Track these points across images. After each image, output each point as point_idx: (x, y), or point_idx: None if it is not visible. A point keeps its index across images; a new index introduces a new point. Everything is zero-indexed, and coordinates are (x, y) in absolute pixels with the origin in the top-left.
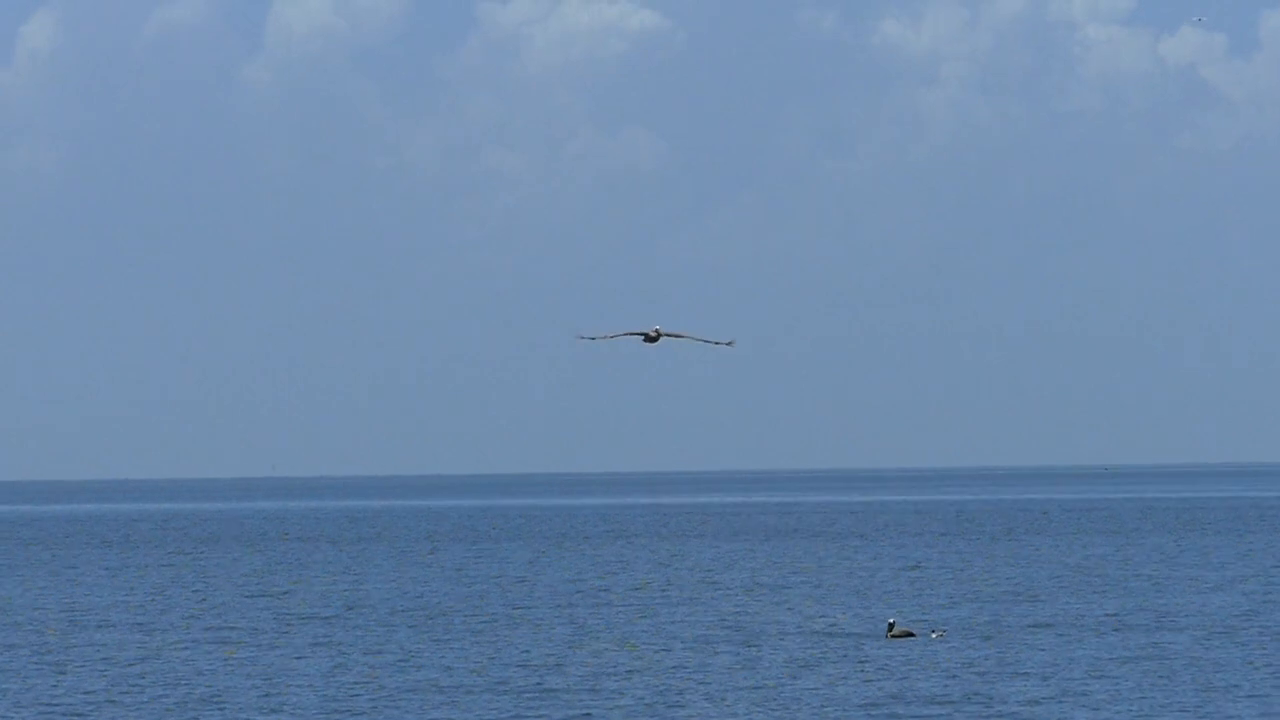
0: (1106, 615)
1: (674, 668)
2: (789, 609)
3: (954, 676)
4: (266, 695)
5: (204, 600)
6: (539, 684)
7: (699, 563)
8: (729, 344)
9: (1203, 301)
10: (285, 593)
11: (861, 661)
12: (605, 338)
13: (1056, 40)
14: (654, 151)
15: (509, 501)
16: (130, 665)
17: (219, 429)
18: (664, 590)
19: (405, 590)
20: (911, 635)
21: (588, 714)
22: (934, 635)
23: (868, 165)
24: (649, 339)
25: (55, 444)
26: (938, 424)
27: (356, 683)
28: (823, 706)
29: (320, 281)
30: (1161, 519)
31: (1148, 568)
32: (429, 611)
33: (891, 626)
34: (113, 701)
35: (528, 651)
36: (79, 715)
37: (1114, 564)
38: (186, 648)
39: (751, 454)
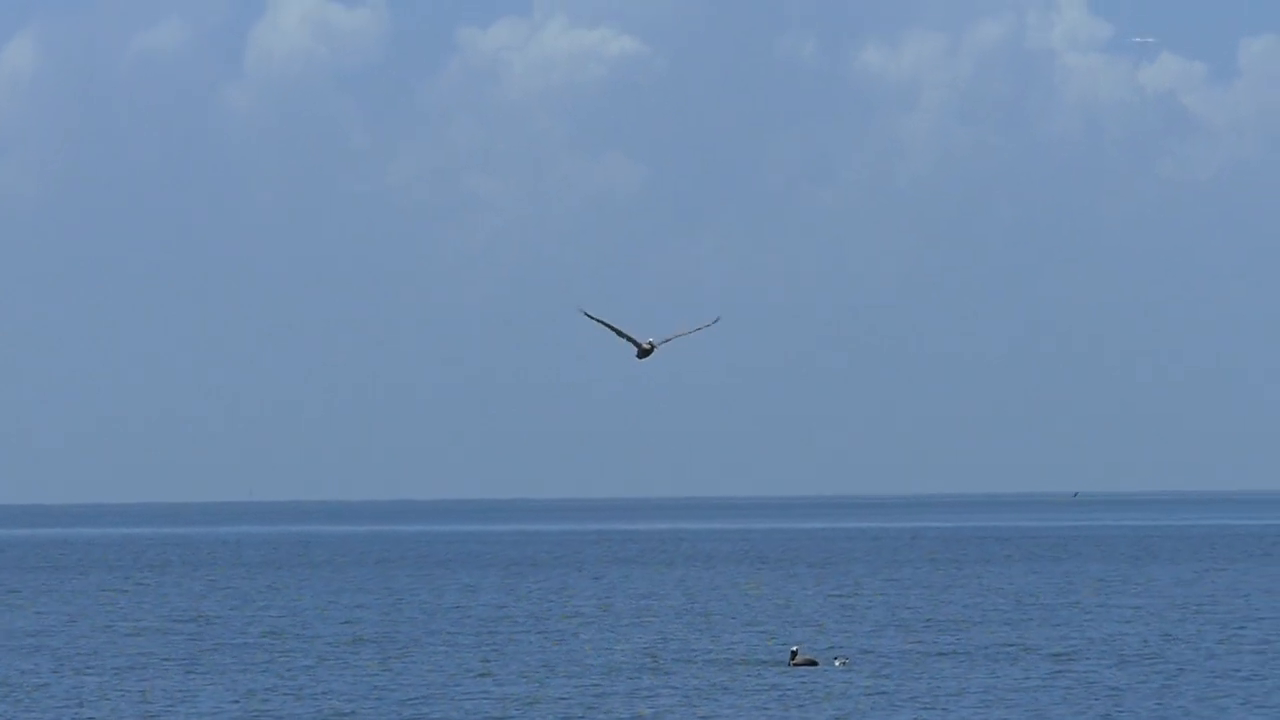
0: (1017, 644)
1: (564, 699)
2: (708, 637)
3: (844, 705)
4: None
5: (109, 627)
6: (423, 714)
7: (636, 590)
8: (714, 322)
9: (1185, 329)
10: (206, 618)
11: (753, 692)
12: (605, 324)
13: (1036, 68)
14: (634, 177)
15: (476, 527)
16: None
17: (197, 452)
18: (590, 618)
19: (330, 616)
20: (814, 664)
21: None
22: (837, 664)
23: (848, 192)
24: (643, 352)
25: (30, 467)
26: (917, 450)
27: (242, 714)
28: None
29: (300, 305)
30: (1114, 547)
31: (1083, 596)
32: (343, 639)
33: (794, 655)
34: None
35: (425, 680)
36: None
37: (1050, 592)
38: (71, 675)
39: (727, 480)
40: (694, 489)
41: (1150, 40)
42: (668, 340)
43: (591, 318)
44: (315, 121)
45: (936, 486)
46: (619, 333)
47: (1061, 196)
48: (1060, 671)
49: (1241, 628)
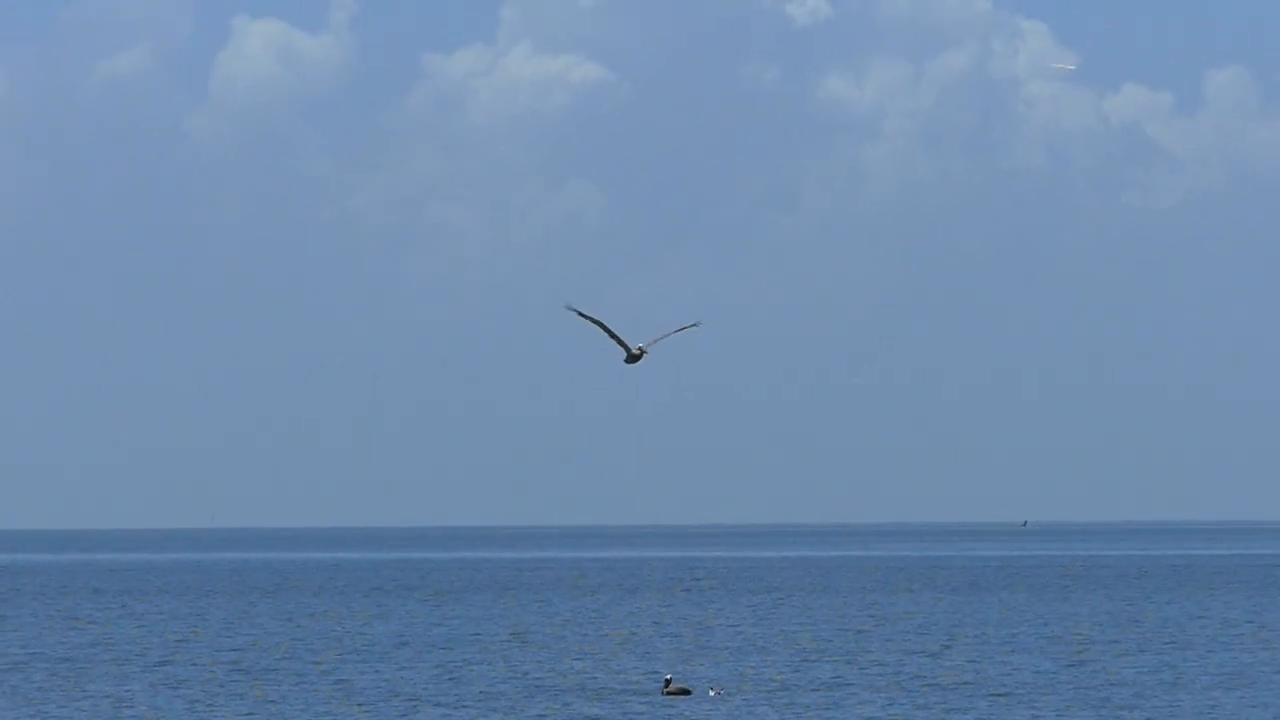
0: (899, 674)
1: None
2: (588, 665)
3: None
4: None
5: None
6: None
7: (553, 616)
8: (696, 325)
9: (1147, 357)
10: (101, 644)
11: None
12: (596, 321)
13: (1000, 97)
14: (598, 205)
15: (428, 555)
16: None
17: (158, 478)
18: (492, 646)
19: (227, 644)
20: (688, 693)
21: None
22: (711, 693)
23: (811, 220)
24: (632, 358)
25: None
26: (877, 479)
27: None
28: None
29: (263, 332)
30: (1046, 578)
31: (990, 628)
32: (229, 665)
33: (668, 683)
34: None
35: (286, 709)
36: None
37: (970, 624)
38: None
39: (690, 508)
40: (652, 516)
41: (1070, 67)
42: (654, 342)
43: (581, 315)
44: (279, 148)
45: (891, 515)
46: (609, 333)
47: (1025, 225)
48: (928, 704)
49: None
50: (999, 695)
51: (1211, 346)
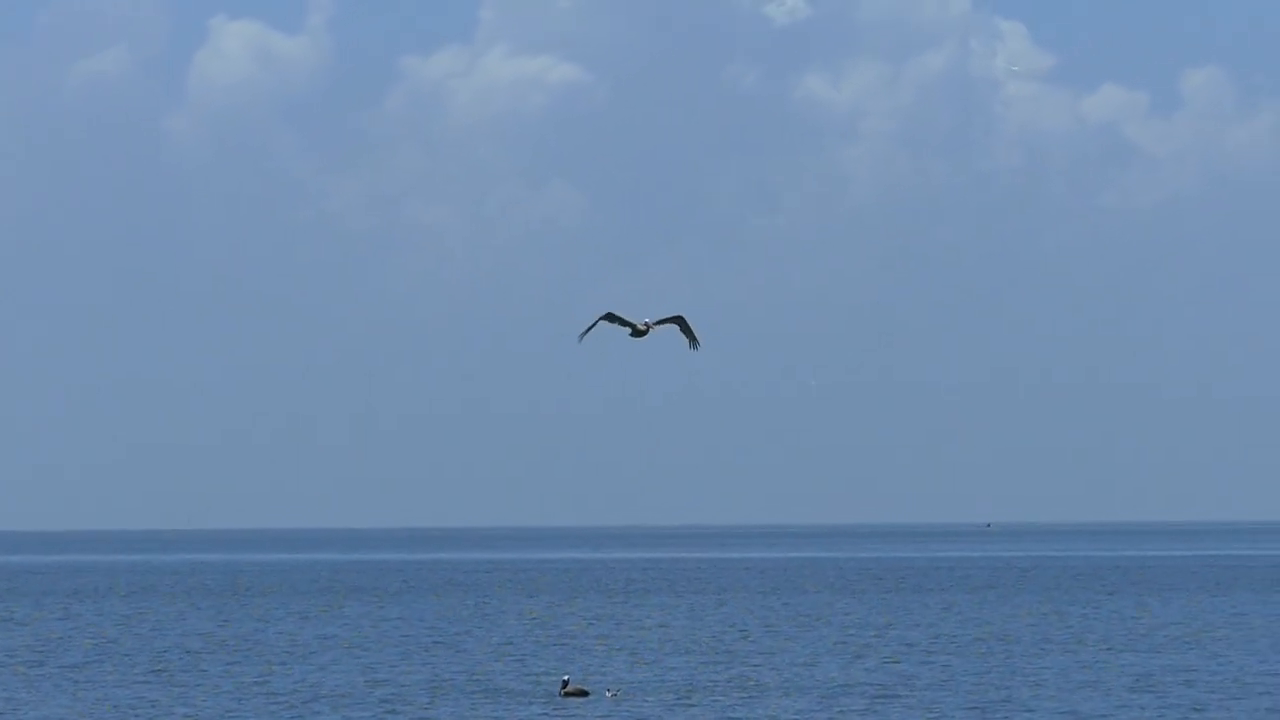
0: (809, 676)
1: None
2: (507, 666)
3: None
4: None
5: None
6: None
7: (488, 617)
8: (696, 345)
9: (1124, 358)
10: (27, 646)
11: None
12: (596, 323)
13: (978, 97)
14: (577, 206)
15: (390, 556)
16: None
17: (135, 480)
18: (413, 648)
19: (151, 645)
20: (586, 694)
21: None
22: (609, 695)
23: (792, 220)
24: (637, 332)
25: None
26: (856, 479)
27: None
28: None
29: (242, 333)
30: (995, 579)
31: (914, 631)
32: (146, 668)
33: (565, 684)
34: None
35: (187, 710)
36: None
37: (901, 626)
38: None
39: (669, 509)
40: (625, 518)
41: (1016, 69)
42: (660, 324)
43: (586, 333)
44: (257, 148)
45: (859, 516)
46: (617, 320)
47: (1003, 226)
48: (826, 706)
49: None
50: (893, 697)
51: (1189, 347)
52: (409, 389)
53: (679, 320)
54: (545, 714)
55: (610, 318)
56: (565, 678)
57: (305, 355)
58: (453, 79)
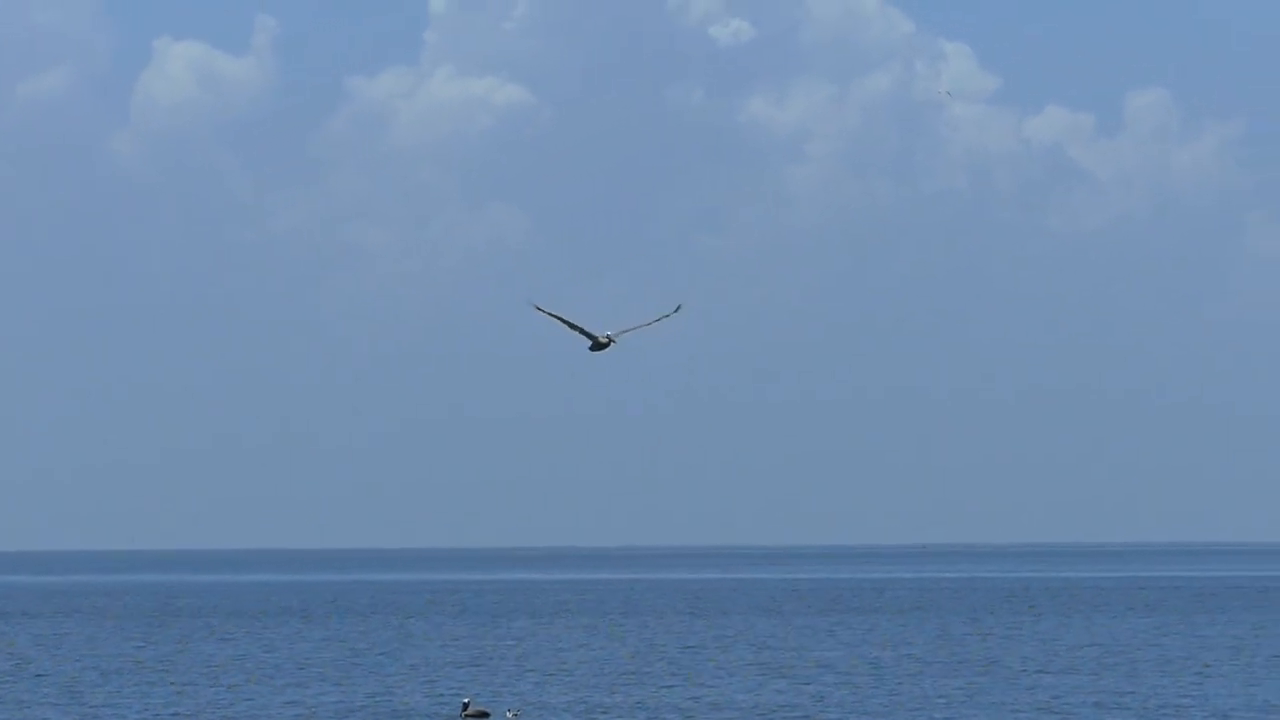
0: (717, 701)
1: None
2: (415, 689)
3: None
4: None
5: None
6: None
7: (408, 639)
8: (676, 310)
9: (1071, 380)
10: None
11: None
12: (556, 317)
13: (923, 119)
14: (521, 227)
15: (320, 577)
16: None
17: (79, 499)
18: (327, 670)
19: (28, 670)
20: (486, 715)
21: None
22: (509, 715)
23: (737, 242)
24: (598, 345)
25: None
26: (791, 501)
27: None
28: None
29: (184, 353)
30: (921, 600)
31: (833, 652)
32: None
33: (466, 707)
34: None
35: None
36: None
37: (789, 647)
38: None
39: (606, 531)
40: (560, 539)
41: (948, 93)
42: (626, 332)
43: (542, 312)
44: (201, 170)
45: (799, 538)
46: (571, 326)
47: (949, 247)
48: None
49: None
50: (803, 719)
51: (1135, 368)
52: (351, 410)
53: (650, 323)
54: None
55: (571, 326)
56: (466, 700)
57: (246, 376)
58: (397, 100)
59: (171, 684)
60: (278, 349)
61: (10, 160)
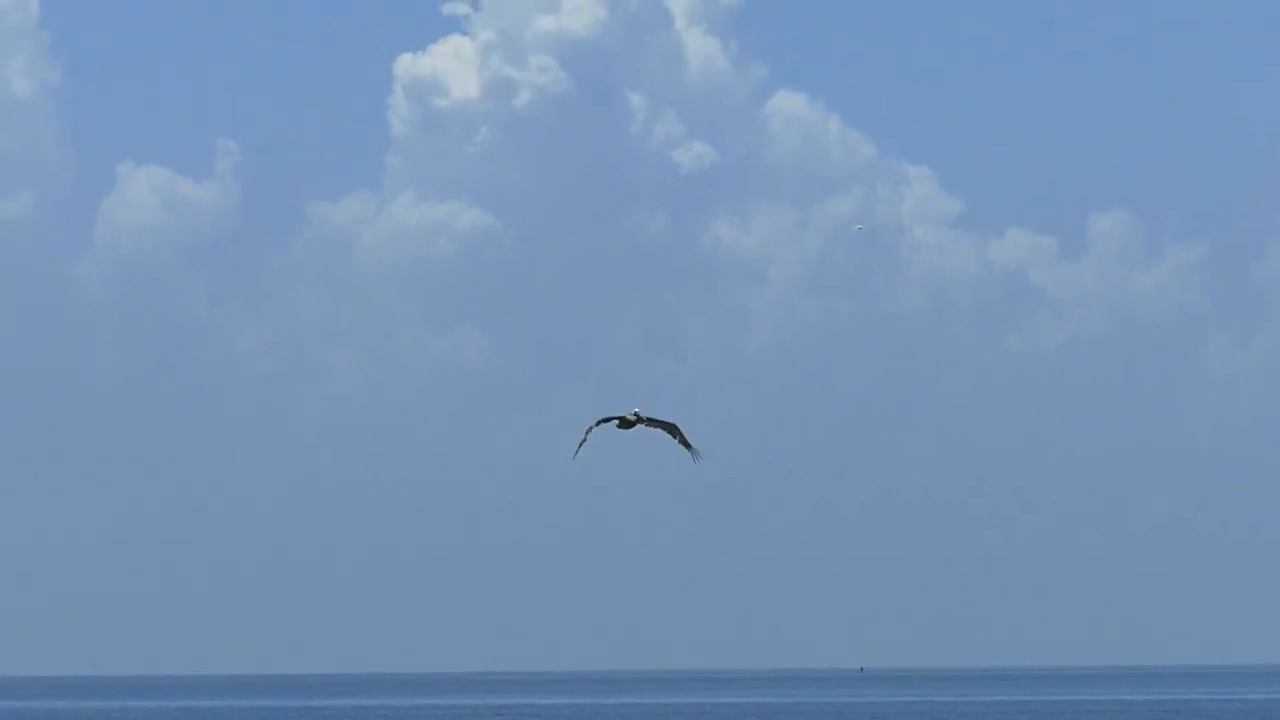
0: None
1: None
2: None
3: None
4: None
5: None
6: None
7: None
8: (698, 455)
9: (1026, 499)
10: None
11: None
12: (585, 438)
13: (886, 242)
14: (482, 349)
15: (260, 702)
16: None
17: (38, 626)
18: None
19: None
20: None
21: None
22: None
23: (696, 364)
24: (625, 424)
25: None
26: (727, 622)
27: None
28: None
29: (145, 476)
30: None
31: None
32: None
33: None
34: None
35: None
36: None
37: None
38: None
39: (537, 654)
40: (524, 663)
41: (860, 228)
42: (652, 421)
43: (601, 423)
44: (162, 293)
45: (733, 661)
46: (603, 421)
47: (909, 368)
48: None
49: None
50: None
51: (1092, 491)
52: (314, 533)
53: (673, 427)
54: None
55: (600, 422)
56: None
57: (207, 497)
58: (359, 224)
59: None
60: (240, 470)
61: None
